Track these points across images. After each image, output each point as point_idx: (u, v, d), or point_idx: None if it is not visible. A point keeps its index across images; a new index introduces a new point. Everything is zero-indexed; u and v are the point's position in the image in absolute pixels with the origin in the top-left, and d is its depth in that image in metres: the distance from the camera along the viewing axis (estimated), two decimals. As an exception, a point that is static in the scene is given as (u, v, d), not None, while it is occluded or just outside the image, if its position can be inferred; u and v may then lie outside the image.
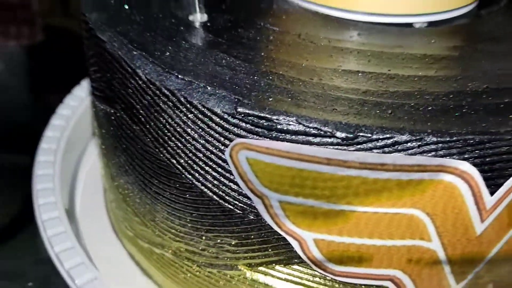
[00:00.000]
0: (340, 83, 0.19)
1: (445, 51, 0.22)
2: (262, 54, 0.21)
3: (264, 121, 0.17)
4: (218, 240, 0.21)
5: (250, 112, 0.17)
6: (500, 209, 0.19)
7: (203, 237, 0.22)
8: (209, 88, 0.18)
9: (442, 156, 0.17)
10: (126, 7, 0.24)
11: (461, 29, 0.25)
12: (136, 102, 0.21)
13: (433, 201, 0.18)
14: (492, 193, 0.18)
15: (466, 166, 0.17)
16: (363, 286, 0.20)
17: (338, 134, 0.17)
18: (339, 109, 0.18)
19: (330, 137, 0.17)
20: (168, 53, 0.20)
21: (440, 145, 0.17)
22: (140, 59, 0.20)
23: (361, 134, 0.17)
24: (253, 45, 0.22)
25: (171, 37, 0.22)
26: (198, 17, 0.24)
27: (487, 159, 0.17)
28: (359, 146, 0.17)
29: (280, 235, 0.19)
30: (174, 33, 0.22)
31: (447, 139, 0.17)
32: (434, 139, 0.17)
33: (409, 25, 0.24)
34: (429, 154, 0.17)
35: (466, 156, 0.17)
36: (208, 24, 0.23)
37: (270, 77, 0.19)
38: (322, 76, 0.20)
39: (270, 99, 0.18)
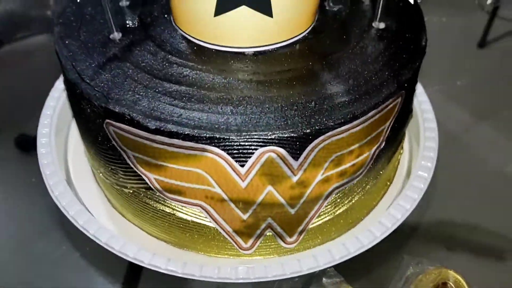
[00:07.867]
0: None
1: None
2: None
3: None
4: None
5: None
6: (252, 175, 0.35)
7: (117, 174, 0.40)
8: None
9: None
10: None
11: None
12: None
13: (207, 166, 0.34)
14: (242, 166, 0.34)
15: (217, 150, 0.33)
16: (187, 205, 0.37)
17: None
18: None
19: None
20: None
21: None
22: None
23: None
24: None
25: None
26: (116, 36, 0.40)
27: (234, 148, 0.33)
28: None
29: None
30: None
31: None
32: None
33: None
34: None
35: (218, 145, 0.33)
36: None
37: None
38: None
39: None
